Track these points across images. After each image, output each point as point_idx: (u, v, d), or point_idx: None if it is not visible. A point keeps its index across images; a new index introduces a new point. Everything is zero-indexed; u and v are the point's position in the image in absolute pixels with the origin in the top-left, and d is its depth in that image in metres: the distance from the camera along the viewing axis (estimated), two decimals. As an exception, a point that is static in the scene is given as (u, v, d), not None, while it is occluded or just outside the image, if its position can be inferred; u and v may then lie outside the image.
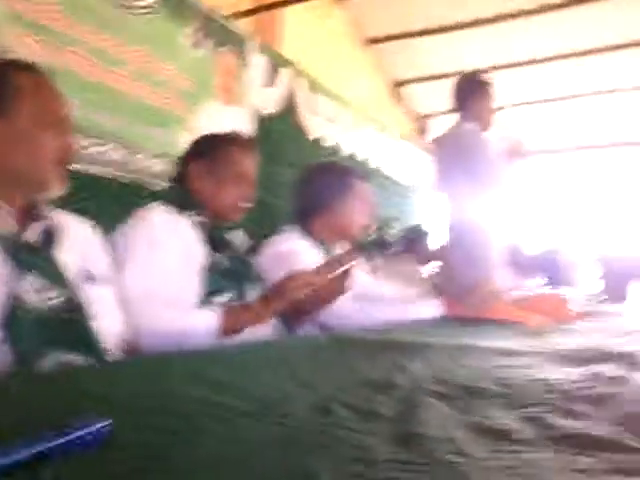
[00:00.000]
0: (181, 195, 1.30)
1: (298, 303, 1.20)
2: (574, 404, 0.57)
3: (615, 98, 7.72)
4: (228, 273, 1.23)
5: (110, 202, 3.45)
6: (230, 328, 1.12)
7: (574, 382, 0.67)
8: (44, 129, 0.90)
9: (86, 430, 0.38)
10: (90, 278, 0.95)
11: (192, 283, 1.16)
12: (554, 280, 5.30)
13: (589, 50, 7.30)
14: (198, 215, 1.26)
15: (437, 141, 2.54)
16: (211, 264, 1.21)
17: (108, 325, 0.92)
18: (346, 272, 1.26)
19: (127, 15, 3.63)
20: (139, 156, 3.77)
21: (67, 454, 0.36)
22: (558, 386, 0.64)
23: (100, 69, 3.44)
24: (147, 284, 1.09)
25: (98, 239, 1.06)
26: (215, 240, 1.26)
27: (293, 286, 1.17)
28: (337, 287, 1.23)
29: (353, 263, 1.29)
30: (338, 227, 1.65)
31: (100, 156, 3.46)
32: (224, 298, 1.19)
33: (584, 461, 0.40)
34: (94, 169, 3.39)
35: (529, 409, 0.55)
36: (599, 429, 0.48)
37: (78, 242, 0.98)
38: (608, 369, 0.74)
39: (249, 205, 1.38)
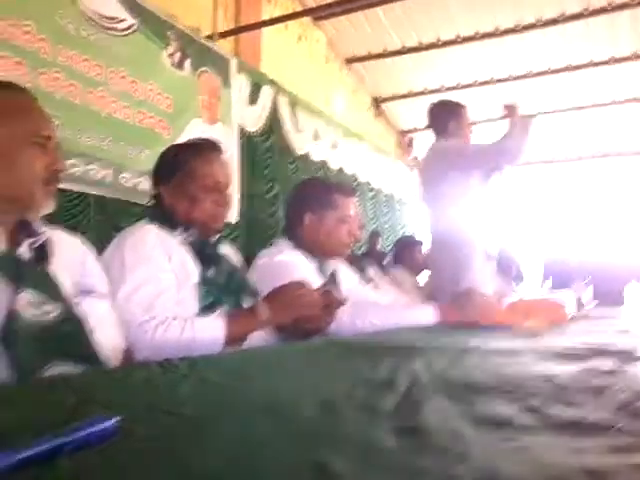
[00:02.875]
0: (162, 213, 1.29)
1: (295, 319, 1.20)
2: (572, 395, 0.58)
3: (595, 112, 7.95)
4: (222, 287, 1.23)
5: (99, 219, 3.46)
6: (235, 334, 1.12)
7: (571, 376, 0.68)
8: (29, 149, 0.90)
9: (97, 426, 0.39)
10: (85, 291, 0.95)
11: (188, 299, 1.17)
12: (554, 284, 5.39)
13: (569, 67, 7.50)
14: (185, 231, 1.26)
15: (423, 158, 2.71)
16: (205, 279, 1.21)
17: (106, 337, 0.93)
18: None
19: (107, 37, 3.65)
20: (124, 175, 3.76)
21: (79, 449, 0.37)
22: (556, 380, 0.66)
23: (81, 90, 3.46)
24: (148, 298, 1.09)
25: (90, 253, 1.06)
26: (206, 255, 1.26)
27: (296, 295, 1.19)
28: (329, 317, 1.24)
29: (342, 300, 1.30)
30: (323, 241, 1.66)
31: (85, 175, 3.46)
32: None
33: (582, 443, 0.41)
34: (80, 188, 3.39)
35: (529, 401, 0.56)
36: (596, 416, 0.49)
37: (71, 256, 0.99)
38: (603, 364, 0.76)
39: (227, 211, 1.36)
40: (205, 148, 1.35)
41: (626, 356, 0.79)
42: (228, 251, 1.40)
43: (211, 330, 1.10)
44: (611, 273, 5.37)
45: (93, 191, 3.50)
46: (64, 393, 0.53)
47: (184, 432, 0.44)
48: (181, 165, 1.30)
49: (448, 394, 0.60)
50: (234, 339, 1.12)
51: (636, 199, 8.42)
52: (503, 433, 0.45)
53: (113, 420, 0.40)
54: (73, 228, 3.07)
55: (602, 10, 6.43)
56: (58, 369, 0.79)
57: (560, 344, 0.94)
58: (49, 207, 0.95)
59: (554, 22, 6.67)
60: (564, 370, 0.71)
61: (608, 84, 7.58)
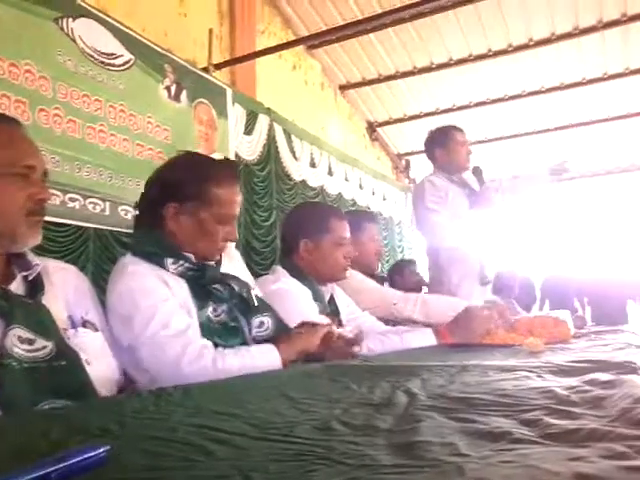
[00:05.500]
0: (153, 240, 1.15)
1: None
2: (571, 406, 0.58)
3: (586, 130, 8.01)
4: (223, 328, 1.13)
5: (98, 252, 3.47)
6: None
7: (570, 388, 0.67)
8: (10, 179, 0.87)
9: (85, 455, 0.38)
10: (79, 323, 0.94)
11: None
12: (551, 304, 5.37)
13: (557, 86, 7.59)
14: (177, 260, 1.13)
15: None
16: (203, 320, 1.10)
17: (101, 370, 0.91)
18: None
19: (106, 72, 3.71)
20: (123, 207, 3.78)
21: (65, 479, 0.36)
22: (555, 393, 0.65)
23: (80, 125, 3.50)
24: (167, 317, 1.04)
25: (85, 283, 1.05)
26: (202, 290, 1.14)
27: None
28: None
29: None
30: (319, 266, 1.64)
31: (84, 209, 3.48)
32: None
33: (580, 451, 0.40)
34: (79, 222, 3.41)
35: (527, 414, 0.56)
36: (594, 425, 0.49)
37: (65, 287, 0.97)
38: (603, 376, 0.74)
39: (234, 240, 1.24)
40: (230, 175, 1.21)
41: (624, 369, 0.79)
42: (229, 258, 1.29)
43: (269, 357, 1.07)
44: (612, 292, 5.31)
45: (92, 224, 3.52)
46: (54, 424, 0.52)
47: (174, 459, 0.43)
48: (200, 190, 1.14)
49: (446, 411, 0.59)
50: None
51: (634, 216, 8.39)
52: (499, 445, 0.45)
53: (101, 449, 0.40)
54: (73, 261, 3.07)
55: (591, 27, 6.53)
56: (52, 406, 0.77)
57: (560, 360, 0.93)
58: (35, 239, 0.91)
59: (546, 42, 6.78)
60: (563, 384, 0.70)
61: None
